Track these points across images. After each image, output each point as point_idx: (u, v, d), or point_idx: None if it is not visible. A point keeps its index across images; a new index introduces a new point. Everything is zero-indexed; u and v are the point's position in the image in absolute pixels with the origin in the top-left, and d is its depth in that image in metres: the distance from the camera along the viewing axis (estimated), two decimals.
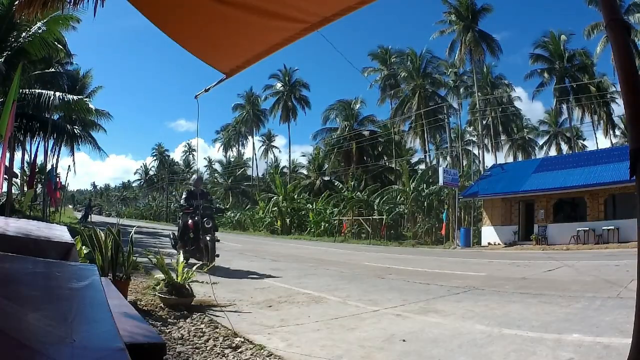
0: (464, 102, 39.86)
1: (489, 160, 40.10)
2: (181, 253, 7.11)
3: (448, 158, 41.66)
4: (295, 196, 33.72)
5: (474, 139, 41.43)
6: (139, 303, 4.19)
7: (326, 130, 39.75)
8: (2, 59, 13.46)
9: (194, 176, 8.25)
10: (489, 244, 20.52)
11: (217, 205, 9.72)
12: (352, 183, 30.63)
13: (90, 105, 17.65)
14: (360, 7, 2.08)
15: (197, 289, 4.78)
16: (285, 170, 48.16)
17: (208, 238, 7.22)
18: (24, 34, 13.76)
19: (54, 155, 27.10)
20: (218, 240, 7.70)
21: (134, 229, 5.67)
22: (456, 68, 37.04)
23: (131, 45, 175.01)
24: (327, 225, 29.15)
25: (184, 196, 8.03)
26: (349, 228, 27.35)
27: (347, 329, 3.65)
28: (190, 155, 67.91)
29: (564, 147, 39.60)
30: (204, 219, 7.40)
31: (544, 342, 3.07)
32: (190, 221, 7.60)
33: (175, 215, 53.71)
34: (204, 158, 64.90)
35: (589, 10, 29.75)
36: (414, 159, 39.18)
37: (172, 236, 8.57)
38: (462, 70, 37.41)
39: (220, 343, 3.14)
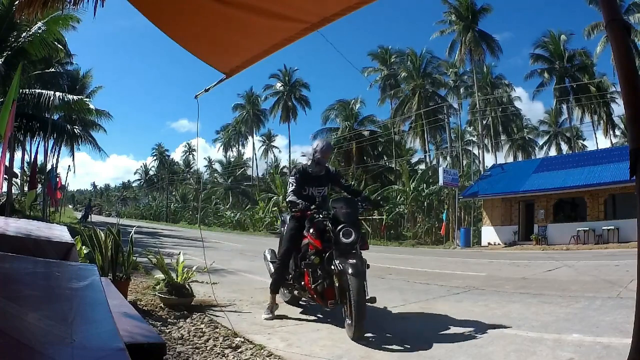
0: (464, 102, 39.94)
1: (489, 160, 40.16)
2: (283, 292, 4.42)
3: (448, 158, 41.71)
4: None
5: (474, 139, 41.46)
6: (139, 303, 4.19)
7: (326, 130, 39.73)
8: (2, 59, 13.47)
9: (317, 142, 4.19)
10: (489, 244, 20.52)
11: (364, 194, 4.56)
12: (352, 183, 30.60)
13: (91, 105, 17.66)
14: (360, 7, 2.08)
15: (197, 289, 4.78)
16: (285, 170, 48.16)
17: (350, 270, 3.34)
18: (24, 34, 13.78)
19: (54, 155, 27.16)
20: (367, 266, 3.66)
21: (134, 229, 5.67)
22: (456, 68, 37.07)
23: (132, 45, 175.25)
24: None
25: (292, 179, 4.13)
26: None
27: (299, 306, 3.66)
28: (190, 155, 68.00)
29: (564, 147, 39.67)
30: (341, 227, 3.55)
31: (544, 342, 3.07)
32: (311, 230, 3.83)
33: (175, 215, 53.62)
34: (204, 158, 65.04)
35: (589, 10, 29.87)
36: (414, 159, 39.23)
37: (268, 258, 4.72)
38: (462, 70, 37.50)
39: (220, 343, 3.14)
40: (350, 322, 3.30)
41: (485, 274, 7.85)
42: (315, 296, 3.76)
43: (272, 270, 4.36)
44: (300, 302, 4.51)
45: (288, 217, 4.35)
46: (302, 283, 3.93)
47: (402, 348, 3.09)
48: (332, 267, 3.51)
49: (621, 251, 12.47)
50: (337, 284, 3.50)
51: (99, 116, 25.93)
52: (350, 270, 3.35)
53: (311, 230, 3.83)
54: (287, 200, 4.09)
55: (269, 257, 4.71)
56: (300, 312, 4.29)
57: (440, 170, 22.79)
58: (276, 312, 4.03)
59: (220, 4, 2.15)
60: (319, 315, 4.15)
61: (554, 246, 17.16)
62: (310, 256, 3.76)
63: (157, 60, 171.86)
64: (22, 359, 0.84)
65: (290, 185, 4.12)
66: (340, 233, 3.55)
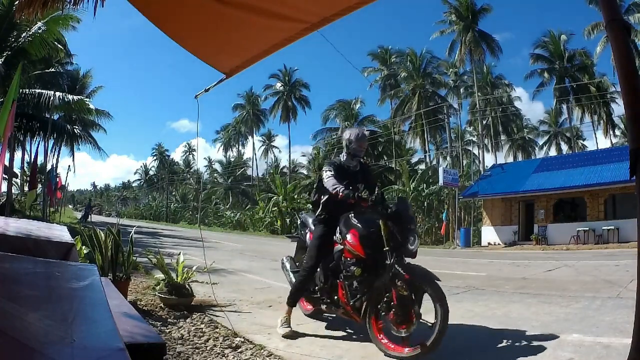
0: (464, 102, 39.95)
1: (489, 160, 40.21)
2: (300, 305, 3.94)
3: (448, 158, 41.71)
4: (295, 196, 33.73)
5: (474, 139, 41.45)
6: (139, 303, 4.19)
7: (326, 130, 39.80)
8: (2, 59, 13.48)
9: (350, 132, 3.58)
10: (489, 244, 20.52)
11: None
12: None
13: (90, 105, 17.66)
14: (360, 7, 2.08)
15: (197, 289, 4.78)
16: (285, 170, 48.18)
17: (428, 277, 2.93)
18: (24, 34, 13.79)
19: (53, 155, 27.17)
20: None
21: (134, 229, 5.67)
22: (456, 68, 37.08)
23: (132, 45, 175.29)
24: None
25: (328, 172, 3.40)
26: None
27: (348, 329, 3.65)
28: (190, 155, 68.00)
29: (564, 147, 39.67)
30: (409, 231, 3.09)
31: (544, 342, 3.07)
32: (349, 236, 3.19)
33: (175, 215, 53.59)
34: (204, 158, 65.03)
35: (589, 10, 29.85)
36: (414, 159, 39.20)
37: (287, 267, 4.03)
38: (462, 70, 37.51)
39: (220, 343, 3.14)
40: (401, 335, 2.87)
41: (485, 274, 7.85)
42: (351, 312, 3.19)
43: (294, 280, 3.77)
44: (322, 316, 3.99)
45: (310, 219, 3.83)
46: (335, 297, 3.34)
47: None
48: (394, 273, 2.91)
49: (621, 251, 12.47)
50: (404, 293, 2.88)
51: (99, 116, 26.00)
52: (428, 277, 2.90)
53: (349, 236, 3.17)
54: (332, 187, 3.25)
55: (288, 265, 4.02)
56: (300, 314, 4.29)
57: (440, 170, 22.79)
58: (275, 310, 4.01)
59: (220, 4, 2.15)
60: (318, 316, 4.15)
61: (554, 246, 17.16)
62: (350, 266, 3.15)
63: (158, 60, 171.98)
64: (22, 359, 0.84)
65: (327, 171, 3.38)
66: (410, 238, 3.04)
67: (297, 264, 4.02)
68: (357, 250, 3.13)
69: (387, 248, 2.98)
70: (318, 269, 3.51)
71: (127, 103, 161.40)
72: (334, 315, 3.60)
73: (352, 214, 3.28)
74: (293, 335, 3.35)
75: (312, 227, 3.74)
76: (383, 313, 2.97)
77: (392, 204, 3.18)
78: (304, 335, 3.43)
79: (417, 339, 2.80)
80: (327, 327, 3.72)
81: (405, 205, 3.30)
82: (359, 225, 3.17)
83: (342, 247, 3.27)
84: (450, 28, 32.64)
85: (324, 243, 3.42)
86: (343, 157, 3.62)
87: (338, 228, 3.35)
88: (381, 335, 2.98)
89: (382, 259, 3.03)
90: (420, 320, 2.89)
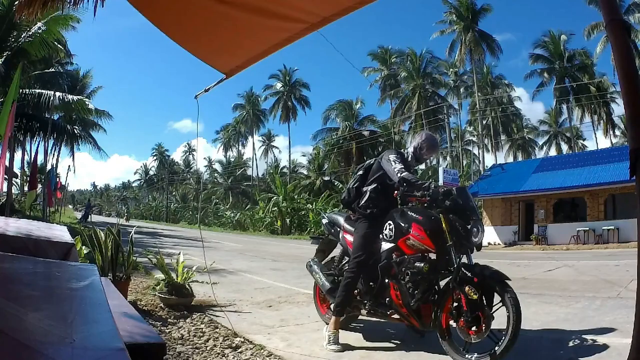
0: (464, 102, 39.98)
1: (489, 160, 40.21)
2: (320, 312, 3.79)
3: (448, 158, 41.72)
4: (295, 196, 33.74)
5: (474, 139, 41.47)
6: (139, 303, 4.19)
7: (326, 130, 39.79)
8: (2, 59, 13.48)
9: (426, 136, 3.33)
10: (489, 244, 20.50)
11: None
12: None
13: (90, 105, 17.67)
14: (360, 7, 2.08)
15: (197, 289, 4.79)
16: (285, 170, 48.18)
17: (498, 276, 2.64)
18: (24, 34, 13.80)
19: (53, 155, 27.12)
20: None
21: (134, 229, 5.67)
22: (456, 68, 37.10)
23: (133, 45, 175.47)
24: None
25: (395, 157, 3.18)
26: None
27: (348, 329, 3.65)
28: (191, 155, 68.01)
29: (564, 147, 39.66)
30: (474, 223, 2.84)
31: (544, 342, 3.07)
32: (413, 229, 2.94)
33: (175, 215, 53.56)
34: (204, 158, 65.01)
35: (589, 10, 29.87)
36: None
37: (316, 269, 3.63)
38: (462, 70, 37.52)
39: (220, 343, 3.14)
40: (468, 341, 2.62)
41: None
42: (407, 314, 2.92)
43: (327, 284, 3.40)
44: (350, 325, 3.62)
45: (341, 218, 3.61)
46: (387, 300, 3.01)
47: (402, 348, 3.09)
48: (462, 276, 2.68)
49: (621, 251, 12.47)
50: (473, 297, 2.61)
51: (99, 116, 25.97)
52: (498, 277, 2.62)
53: (412, 229, 2.90)
54: (408, 177, 2.97)
55: (317, 268, 3.62)
56: (300, 313, 4.30)
57: (440, 170, 22.77)
58: (275, 310, 4.01)
59: (221, 3, 2.15)
60: (318, 316, 4.15)
61: (554, 246, 17.16)
62: (414, 263, 2.85)
63: (158, 61, 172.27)
64: (22, 359, 0.84)
65: (395, 162, 3.10)
66: (474, 230, 2.78)
67: (334, 265, 3.65)
68: (426, 244, 2.87)
69: (450, 243, 2.76)
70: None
71: (128, 103, 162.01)
72: (399, 322, 3.16)
73: (406, 208, 3.09)
74: (344, 350, 3.03)
75: (346, 226, 3.48)
76: (452, 320, 2.75)
77: (452, 195, 2.89)
78: (353, 348, 3.09)
79: (486, 346, 2.59)
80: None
81: (465, 194, 2.96)
82: (421, 218, 2.93)
83: (391, 245, 3.03)
84: (450, 28, 32.66)
85: (371, 241, 3.14)
86: (407, 154, 3.33)
87: (389, 224, 3.06)
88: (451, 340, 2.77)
89: (446, 255, 2.84)
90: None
